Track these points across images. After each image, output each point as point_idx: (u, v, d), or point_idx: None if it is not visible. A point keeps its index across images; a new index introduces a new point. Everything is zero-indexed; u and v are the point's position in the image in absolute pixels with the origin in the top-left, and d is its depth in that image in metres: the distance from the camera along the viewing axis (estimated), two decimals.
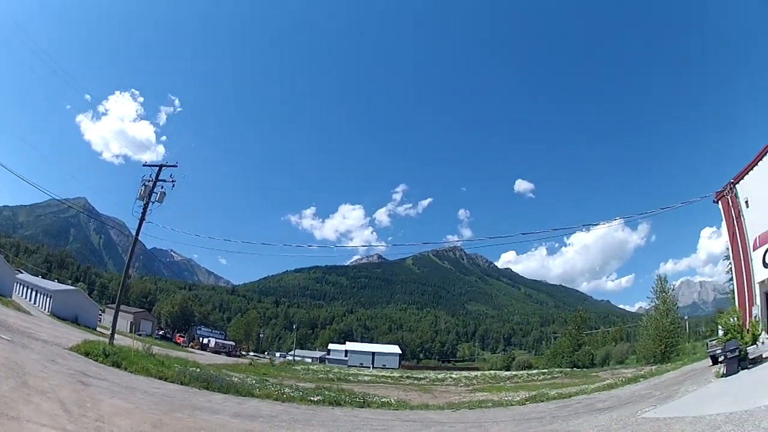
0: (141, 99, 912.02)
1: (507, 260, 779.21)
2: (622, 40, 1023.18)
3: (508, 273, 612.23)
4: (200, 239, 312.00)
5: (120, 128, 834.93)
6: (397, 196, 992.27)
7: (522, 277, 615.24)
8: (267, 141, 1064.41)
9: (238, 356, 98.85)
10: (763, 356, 21.97)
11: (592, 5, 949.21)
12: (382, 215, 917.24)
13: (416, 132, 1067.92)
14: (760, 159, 24.85)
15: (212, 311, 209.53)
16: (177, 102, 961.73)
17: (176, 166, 39.49)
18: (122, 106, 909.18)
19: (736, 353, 21.56)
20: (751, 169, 25.37)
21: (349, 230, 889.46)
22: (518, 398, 31.33)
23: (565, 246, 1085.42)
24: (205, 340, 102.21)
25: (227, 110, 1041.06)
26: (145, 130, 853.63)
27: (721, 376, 22.00)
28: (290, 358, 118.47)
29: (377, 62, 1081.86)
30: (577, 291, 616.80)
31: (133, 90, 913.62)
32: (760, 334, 22.73)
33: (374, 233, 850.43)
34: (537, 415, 23.11)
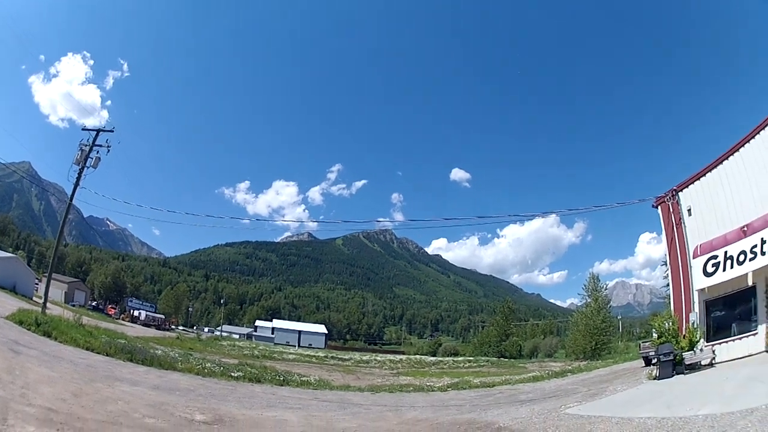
0: (91, 62, 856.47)
1: (437, 247, 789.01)
2: (569, 35, 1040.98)
3: (437, 259, 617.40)
4: (134, 208, 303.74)
5: (67, 91, 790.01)
6: (332, 176, 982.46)
7: (452, 264, 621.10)
8: (207, 113, 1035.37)
9: (167, 330, 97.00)
10: (702, 363, 22.36)
11: None
12: (315, 194, 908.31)
13: (355, 113, 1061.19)
14: (709, 171, 25.37)
15: (144, 283, 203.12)
16: (126, 67, 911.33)
17: (113, 131, 38.40)
18: (73, 68, 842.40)
19: (671, 357, 21.82)
20: (698, 179, 25.82)
21: (282, 206, 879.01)
22: (440, 384, 31.19)
23: (498, 237, 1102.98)
24: (136, 313, 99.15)
25: (172, 78, 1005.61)
26: (92, 94, 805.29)
27: (654, 378, 22.21)
28: (218, 333, 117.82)
29: (321, 41, 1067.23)
30: (508, 282, 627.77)
31: (85, 52, 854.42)
32: (698, 341, 23.13)
33: (306, 211, 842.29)
34: (457, 402, 22.87)
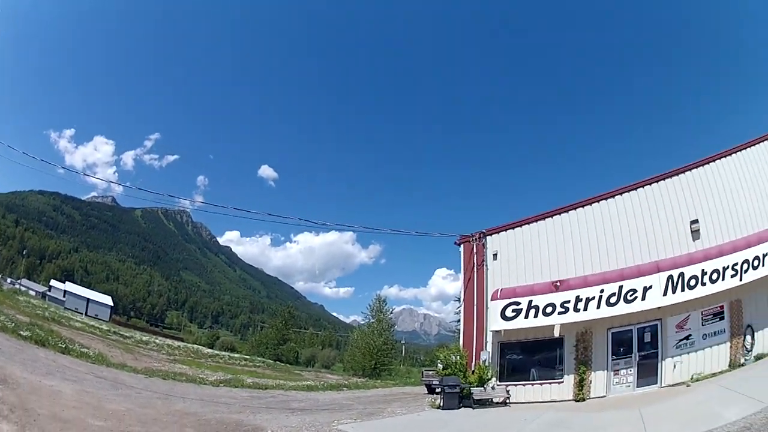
0: None
1: (229, 239, 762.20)
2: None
3: (227, 251, 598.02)
4: None
5: None
6: (149, 144, 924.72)
7: (240, 259, 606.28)
8: (48, 51, 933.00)
9: None
10: (494, 401, 22.96)
11: None
12: (129, 158, 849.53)
13: (184, 84, 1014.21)
14: (526, 224, 26.84)
15: None
16: None
17: None
18: None
19: (457, 389, 22.10)
20: (512, 228, 27.11)
21: (95, 164, 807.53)
22: (214, 378, 30.65)
23: (290, 242, 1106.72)
24: None
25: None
26: None
27: (438, 407, 22.38)
28: (18, 286, 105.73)
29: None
30: (292, 288, 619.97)
31: None
32: (489, 379, 23.75)
33: (116, 174, 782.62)
34: (228, 400, 22.49)
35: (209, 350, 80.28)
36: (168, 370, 30.36)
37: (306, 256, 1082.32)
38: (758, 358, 22.88)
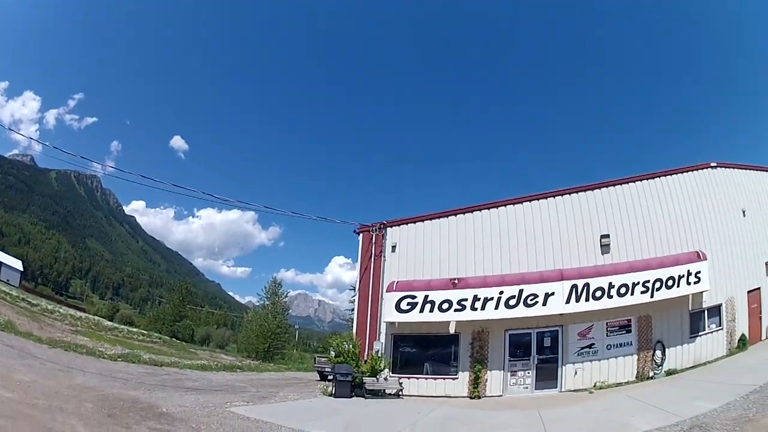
0: None
1: (134, 209, 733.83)
2: None
3: (132, 221, 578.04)
4: None
5: None
6: (72, 103, 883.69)
7: (144, 230, 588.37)
8: None
9: None
10: (386, 392, 22.58)
11: None
12: (51, 116, 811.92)
13: (108, 42, 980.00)
14: (429, 219, 26.63)
15: None
16: None
17: None
18: None
19: (349, 378, 21.74)
20: (413, 222, 26.82)
21: (21, 120, 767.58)
22: (112, 352, 29.94)
23: (193, 216, 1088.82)
24: None
25: None
26: None
27: (330, 395, 21.96)
28: None
29: None
30: (191, 264, 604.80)
31: None
32: (382, 370, 23.36)
33: (38, 132, 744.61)
34: (125, 375, 22.11)
35: (109, 323, 77.93)
36: (70, 342, 29.76)
37: (207, 233, 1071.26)
38: (669, 373, 23.29)
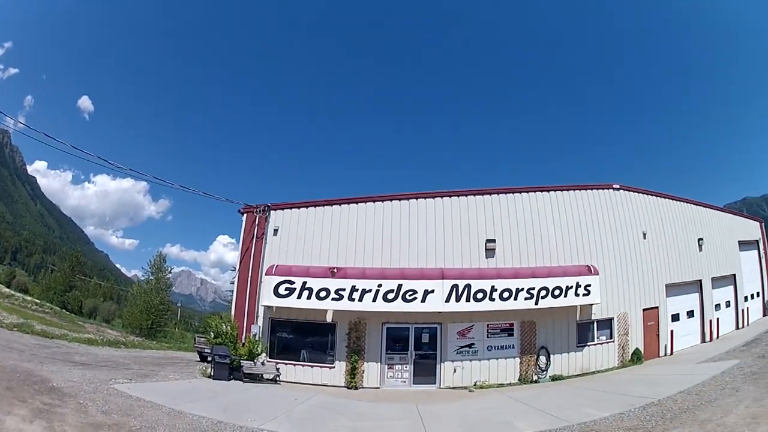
0: None
1: (36, 169, 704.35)
2: None
3: (33, 182, 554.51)
4: None
5: None
6: (0, 51, 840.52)
7: (43, 193, 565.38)
8: None
9: None
10: (264, 376, 22.72)
11: None
12: None
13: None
14: (313, 206, 26.57)
15: None
16: None
17: None
18: None
19: (227, 360, 21.72)
20: (297, 207, 26.68)
21: None
22: (9, 321, 31.24)
23: (90, 182, 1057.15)
24: None
25: None
26: None
27: (209, 377, 21.98)
28: None
29: None
30: (83, 232, 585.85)
31: None
32: (259, 354, 23.35)
33: None
34: (20, 346, 22.84)
35: (7, 290, 76.04)
36: None
37: (101, 200, 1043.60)
38: (554, 378, 24.32)
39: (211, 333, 25.15)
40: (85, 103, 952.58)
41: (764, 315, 38.92)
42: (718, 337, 31.87)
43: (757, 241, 40.80)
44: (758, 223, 42.79)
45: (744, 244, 38.47)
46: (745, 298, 37.06)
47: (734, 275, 36.03)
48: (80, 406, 12.62)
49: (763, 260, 40.76)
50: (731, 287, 35.69)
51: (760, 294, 39.79)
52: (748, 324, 35.37)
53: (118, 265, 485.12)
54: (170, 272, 73.86)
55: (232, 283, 31.12)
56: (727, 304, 35.15)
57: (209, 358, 24.16)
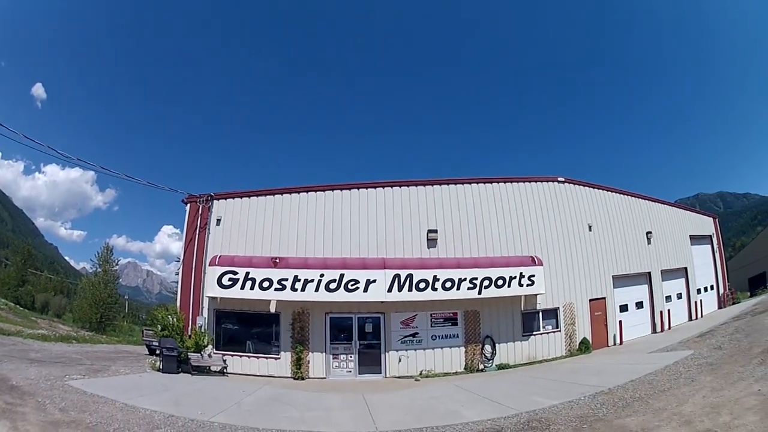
0: None
1: None
2: None
3: None
4: None
5: None
6: None
7: None
8: None
9: None
10: (211, 369, 23.08)
11: None
12: None
13: None
14: (255, 196, 26.97)
15: None
16: None
17: None
18: None
19: (174, 353, 22.01)
20: (239, 197, 27.07)
21: None
22: None
23: (40, 172, 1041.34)
24: None
25: None
26: None
27: (158, 370, 22.16)
28: None
29: None
30: (34, 224, 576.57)
31: None
32: (206, 346, 23.66)
33: None
34: None
35: None
36: None
37: (50, 191, 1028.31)
38: (501, 367, 25.24)
39: (158, 326, 25.34)
40: (38, 90, 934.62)
41: (719, 308, 40.30)
42: (669, 328, 32.97)
43: (710, 236, 42.30)
44: (712, 218, 44.34)
45: (696, 239, 39.90)
46: (698, 291, 38.47)
47: (686, 268, 37.42)
48: (39, 404, 13.05)
49: (717, 254, 42.36)
50: (683, 280, 37.09)
51: (714, 287, 41.33)
52: (701, 316, 36.61)
53: (67, 258, 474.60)
54: (117, 264, 73.93)
55: (177, 274, 31.27)
56: (679, 296, 36.50)
57: (157, 351, 24.48)
